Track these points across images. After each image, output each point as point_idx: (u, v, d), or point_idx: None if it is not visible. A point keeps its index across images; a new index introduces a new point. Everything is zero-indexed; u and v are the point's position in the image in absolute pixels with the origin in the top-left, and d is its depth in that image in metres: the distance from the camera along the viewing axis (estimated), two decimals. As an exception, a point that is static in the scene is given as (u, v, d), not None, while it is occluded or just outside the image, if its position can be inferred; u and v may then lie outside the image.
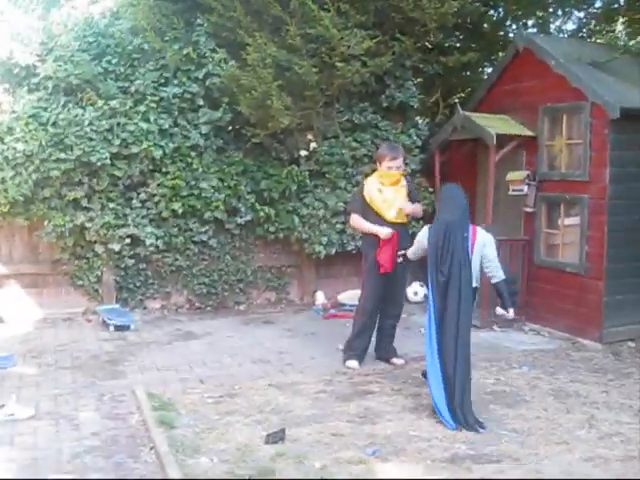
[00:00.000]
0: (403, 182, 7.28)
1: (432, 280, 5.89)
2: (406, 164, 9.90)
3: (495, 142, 8.70)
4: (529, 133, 8.91)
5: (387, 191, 7.16)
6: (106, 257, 9.27)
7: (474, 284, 5.96)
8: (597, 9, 13.40)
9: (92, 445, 5.25)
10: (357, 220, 7.33)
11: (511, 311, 6.09)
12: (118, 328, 8.67)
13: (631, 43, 9.67)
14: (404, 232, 7.26)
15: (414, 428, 5.53)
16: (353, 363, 7.26)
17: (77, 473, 4.77)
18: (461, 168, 9.93)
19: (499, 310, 6.17)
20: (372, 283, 7.26)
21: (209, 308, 9.91)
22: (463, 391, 5.67)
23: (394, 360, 7.37)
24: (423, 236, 6.21)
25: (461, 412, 5.59)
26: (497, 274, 6.01)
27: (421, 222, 8.92)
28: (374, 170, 7.56)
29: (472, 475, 4.70)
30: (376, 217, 7.13)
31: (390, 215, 7.11)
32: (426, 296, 10.25)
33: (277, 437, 5.22)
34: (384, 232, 7.00)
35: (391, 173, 7.14)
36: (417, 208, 7.39)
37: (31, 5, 14.02)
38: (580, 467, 4.83)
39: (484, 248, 6.00)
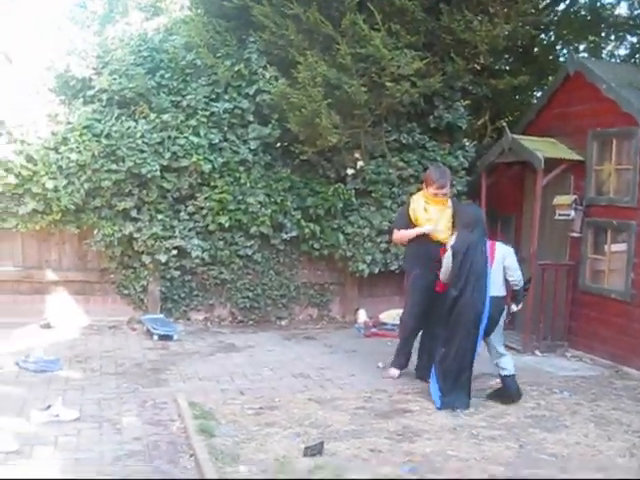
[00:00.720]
0: (449, 204, 7.35)
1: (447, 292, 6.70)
2: (452, 185, 9.93)
3: (543, 166, 8.66)
4: (577, 157, 8.86)
5: (433, 210, 7.25)
6: (152, 267, 9.42)
7: (496, 293, 6.62)
8: (651, 35, 13.32)
9: (133, 449, 5.34)
10: (400, 232, 7.44)
11: (516, 306, 7.16)
12: (162, 338, 8.79)
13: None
14: None
15: (452, 448, 5.51)
16: (393, 372, 7.54)
17: (117, 476, 4.85)
18: (508, 191, 9.91)
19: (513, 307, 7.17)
20: (415, 299, 7.33)
21: (251, 322, 10.00)
22: (454, 381, 6.54)
23: None
24: (448, 257, 6.69)
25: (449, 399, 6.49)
26: (519, 282, 6.86)
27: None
28: (420, 189, 7.60)
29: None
30: (421, 236, 7.21)
31: (437, 234, 7.20)
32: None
33: (315, 450, 5.25)
34: (426, 228, 7.19)
35: (437, 199, 7.26)
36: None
37: (87, 21, 14.42)
38: (620, 494, 4.78)
39: (505, 260, 6.75)
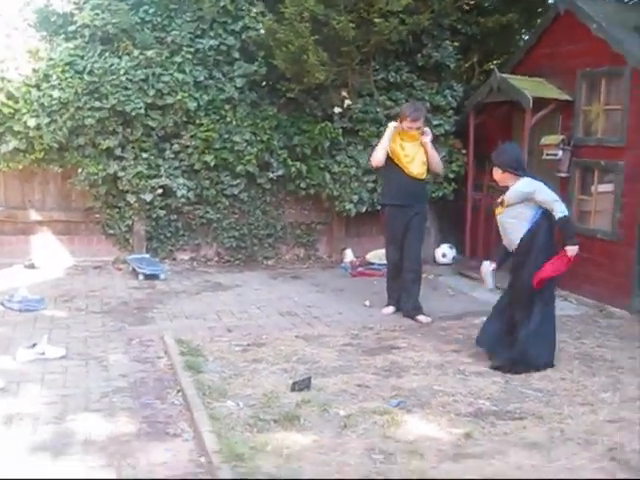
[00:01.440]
0: (423, 140, 7.48)
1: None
2: (439, 125, 9.88)
3: (531, 105, 8.60)
4: (566, 97, 8.78)
5: (408, 147, 7.41)
6: (138, 207, 9.36)
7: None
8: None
9: (120, 386, 5.36)
10: (377, 150, 7.62)
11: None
12: (148, 277, 8.78)
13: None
14: (423, 188, 7.70)
15: (439, 383, 5.55)
16: (387, 309, 7.75)
17: (105, 412, 4.86)
18: (496, 131, 9.83)
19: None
20: (387, 237, 7.74)
21: (238, 262, 9.99)
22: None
23: (420, 317, 7.41)
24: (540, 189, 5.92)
25: None
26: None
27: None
28: None
29: (495, 429, 4.73)
30: (399, 171, 7.40)
31: (412, 169, 7.38)
32: (454, 258, 10.30)
33: (303, 385, 5.27)
34: (392, 123, 7.55)
35: (410, 133, 7.38)
36: (436, 155, 7.66)
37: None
38: (604, 428, 4.82)
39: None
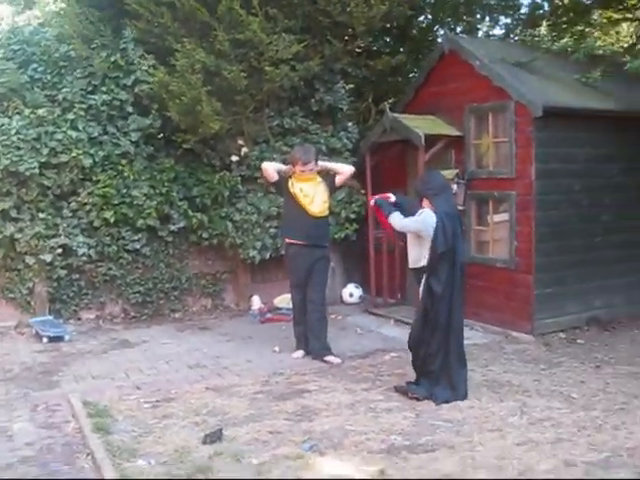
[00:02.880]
0: (318, 178, 7.66)
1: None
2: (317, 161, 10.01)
3: (423, 142, 8.83)
4: (456, 133, 9.08)
5: (307, 188, 7.56)
6: (38, 268, 9.12)
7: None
8: (523, 15, 13.76)
9: (26, 455, 5.17)
10: (272, 163, 8.01)
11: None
12: (52, 339, 8.53)
13: (554, 47, 9.93)
14: (325, 227, 7.81)
15: (351, 423, 5.58)
16: (297, 353, 7.76)
17: (10, 483, 4.70)
18: (392, 170, 10.06)
19: None
20: (291, 277, 7.85)
21: (145, 317, 9.82)
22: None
23: (329, 358, 7.44)
24: (429, 222, 6.06)
25: None
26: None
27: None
28: None
29: (408, 463, 4.77)
30: (300, 211, 7.51)
31: (314, 209, 7.53)
32: (361, 297, 10.40)
33: (214, 437, 5.22)
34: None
35: (305, 176, 7.55)
36: (337, 166, 7.99)
37: (-46, 16, 13.77)
38: (513, 451, 4.94)
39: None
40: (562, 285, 8.55)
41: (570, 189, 8.56)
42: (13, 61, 9.24)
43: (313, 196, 7.53)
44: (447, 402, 5.97)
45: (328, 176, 7.81)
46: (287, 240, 7.77)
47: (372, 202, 6.83)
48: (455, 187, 8.95)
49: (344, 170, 7.83)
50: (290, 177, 7.69)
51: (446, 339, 6.09)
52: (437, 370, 6.10)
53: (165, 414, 5.88)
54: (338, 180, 7.75)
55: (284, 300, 9.79)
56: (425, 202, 6.25)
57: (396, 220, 6.37)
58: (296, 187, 7.55)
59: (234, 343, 8.44)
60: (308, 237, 7.50)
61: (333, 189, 7.84)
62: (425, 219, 6.10)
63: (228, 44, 8.92)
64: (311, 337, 7.62)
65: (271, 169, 7.77)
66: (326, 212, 7.69)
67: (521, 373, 6.90)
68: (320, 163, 7.75)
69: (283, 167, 7.89)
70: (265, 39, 8.92)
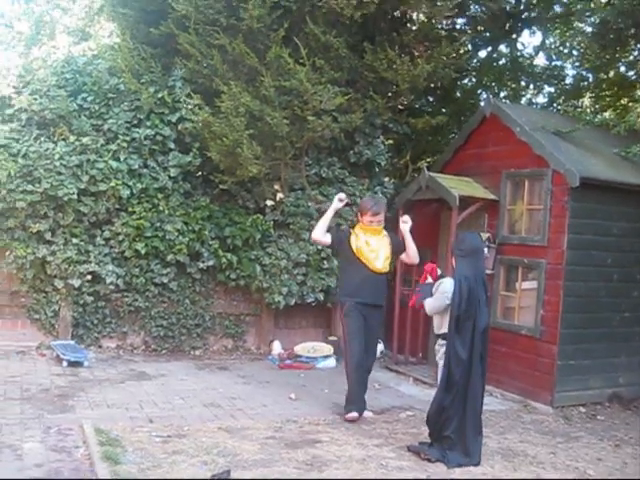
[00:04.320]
0: (384, 232, 7.44)
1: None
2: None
3: (458, 203, 8.85)
4: (491, 197, 9.09)
5: (373, 242, 7.29)
6: (65, 292, 9.23)
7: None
8: (567, 85, 13.86)
9: (33, 475, 5.17)
10: (318, 225, 7.51)
11: None
12: (72, 364, 8.59)
13: (596, 119, 9.96)
14: (384, 283, 7.42)
15: (360, 478, 5.52)
16: (352, 415, 7.14)
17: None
18: (424, 228, 10.02)
19: None
20: (349, 339, 7.25)
21: (165, 351, 9.86)
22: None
23: (365, 413, 7.29)
24: (447, 290, 6.16)
25: None
26: None
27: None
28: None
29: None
30: (361, 266, 7.21)
31: (377, 265, 7.23)
32: (382, 352, 10.34)
33: (221, 478, 5.19)
34: (338, 196, 7.47)
35: (372, 227, 7.31)
36: (413, 244, 7.46)
37: (12, 42, 14.23)
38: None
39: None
40: (586, 358, 8.44)
41: (601, 262, 8.49)
42: (65, 89, 9.47)
43: (378, 251, 7.26)
44: (460, 466, 5.89)
45: (394, 235, 7.62)
46: (345, 298, 7.35)
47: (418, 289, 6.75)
48: (486, 251, 8.93)
49: (412, 257, 7.50)
50: (352, 229, 7.49)
51: (463, 405, 6.03)
52: (452, 435, 6.03)
53: (175, 450, 5.86)
54: (403, 257, 7.54)
55: (305, 348, 9.82)
56: (452, 261, 6.33)
57: (427, 307, 6.42)
58: (361, 240, 7.27)
59: (251, 386, 8.42)
60: (367, 295, 7.20)
61: (399, 251, 7.49)
62: (443, 289, 6.20)
63: (273, 90, 9.06)
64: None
65: (320, 234, 7.41)
66: (387, 268, 7.37)
67: (537, 444, 6.79)
68: (405, 235, 7.39)
69: (329, 216, 7.43)
70: (310, 89, 9.04)
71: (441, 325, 6.32)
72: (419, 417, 7.27)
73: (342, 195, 7.55)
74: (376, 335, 7.50)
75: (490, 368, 8.88)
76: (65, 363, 8.60)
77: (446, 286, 6.17)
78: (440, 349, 6.34)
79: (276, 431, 6.62)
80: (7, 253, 9.00)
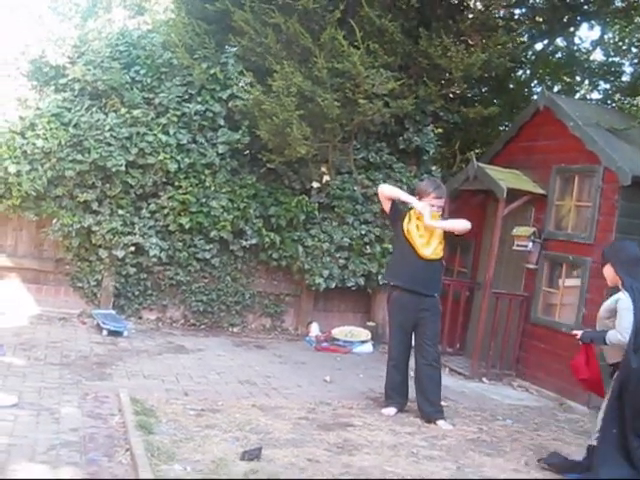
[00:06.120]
0: (440, 219, 7.00)
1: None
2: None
3: (505, 196, 8.76)
4: (540, 191, 8.96)
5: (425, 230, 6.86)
6: (109, 262, 9.35)
7: None
8: (624, 82, 13.58)
9: (69, 440, 5.25)
10: (393, 189, 7.14)
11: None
12: (111, 333, 8.71)
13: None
14: (436, 272, 6.97)
15: (390, 464, 5.50)
16: (387, 410, 6.92)
17: (50, 464, 4.77)
18: (470, 218, 9.79)
19: None
20: (393, 327, 7.07)
21: (203, 326, 9.95)
22: None
23: (440, 423, 6.75)
24: (629, 307, 5.41)
25: None
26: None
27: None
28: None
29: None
30: (409, 250, 6.81)
31: (426, 252, 6.77)
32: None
33: (253, 455, 5.21)
34: (419, 205, 6.76)
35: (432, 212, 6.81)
36: (449, 224, 7.03)
37: (69, 13, 14.37)
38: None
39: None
40: (626, 360, 8.30)
41: (648, 263, 8.34)
42: (118, 61, 9.56)
43: (429, 237, 6.81)
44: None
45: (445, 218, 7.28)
46: (390, 282, 7.05)
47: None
48: (530, 245, 8.84)
49: (461, 230, 7.04)
50: (409, 211, 6.95)
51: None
52: None
53: (208, 424, 5.90)
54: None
55: (342, 332, 9.82)
56: (608, 269, 5.73)
57: (612, 339, 5.50)
58: (412, 223, 6.83)
59: (287, 366, 8.46)
60: (415, 282, 6.75)
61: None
62: (625, 305, 5.42)
63: (326, 72, 9.02)
64: (420, 397, 6.90)
65: (388, 193, 6.98)
66: (440, 254, 6.86)
67: (570, 444, 6.71)
68: (435, 224, 6.80)
69: (404, 197, 6.96)
70: (363, 72, 8.98)
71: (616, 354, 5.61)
72: (452, 408, 7.26)
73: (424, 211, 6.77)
74: (432, 325, 6.89)
75: (527, 364, 8.89)
76: (105, 332, 8.73)
77: (626, 302, 5.40)
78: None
79: (309, 412, 6.63)
80: (54, 221, 9.13)
